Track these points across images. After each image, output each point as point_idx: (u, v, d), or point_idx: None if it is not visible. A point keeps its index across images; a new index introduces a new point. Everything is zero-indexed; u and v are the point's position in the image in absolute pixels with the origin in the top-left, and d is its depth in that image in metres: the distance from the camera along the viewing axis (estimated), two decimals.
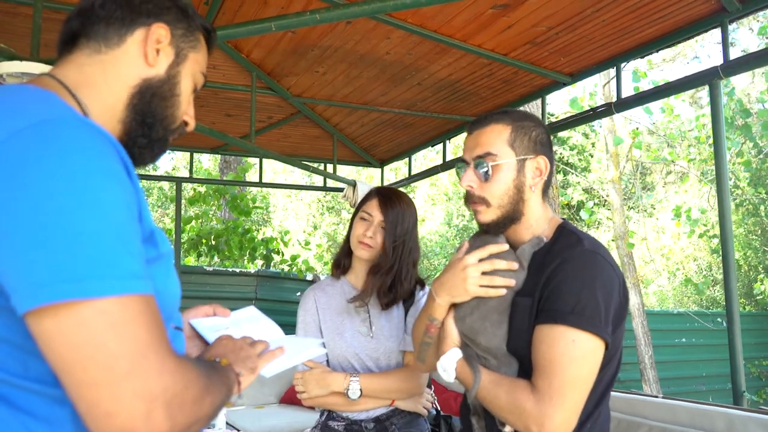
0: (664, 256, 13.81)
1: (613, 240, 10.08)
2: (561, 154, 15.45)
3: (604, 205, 13.34)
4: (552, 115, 12.61)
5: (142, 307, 0.74)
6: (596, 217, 14.96)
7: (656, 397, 2.80)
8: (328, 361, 2.03)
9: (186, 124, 1.06)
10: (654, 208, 14.99)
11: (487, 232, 1.46)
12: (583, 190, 14.16)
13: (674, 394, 7.44)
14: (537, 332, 1.30)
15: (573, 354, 1.25)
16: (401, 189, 2.32)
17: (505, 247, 1.39)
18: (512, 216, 1.42)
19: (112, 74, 0.96)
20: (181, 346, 0.97)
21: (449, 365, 1.40)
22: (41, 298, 0.69)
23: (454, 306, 1.44)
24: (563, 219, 1.48)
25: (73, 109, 0.85)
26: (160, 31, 0.99)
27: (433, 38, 3.34)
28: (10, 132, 0.74)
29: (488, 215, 1.42)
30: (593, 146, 14.96)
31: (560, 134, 14.30)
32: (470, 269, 1.38)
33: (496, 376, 1.35)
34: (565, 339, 1.25)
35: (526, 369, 1.33)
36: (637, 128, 9.40)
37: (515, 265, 1.37)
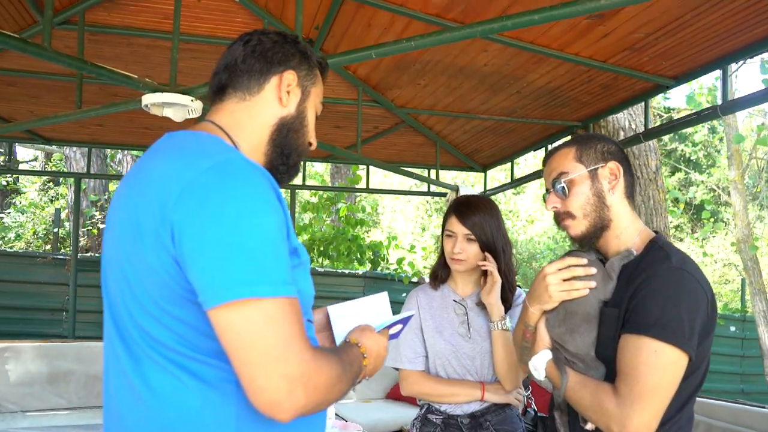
0: None
1: (733, 244, 9.46)
2: (682, 150, 14.62)
3: (728, 206, 12.49)
4: (673, 109, 11.99)
5: (290, 308, 0.97)
6: (722, 217, 14.02)
7: (763, 407, 2.72)
8: (427, 356, 2.18)
9: (310, 144, 1.30)
10: None
11: (581, 247, 1.55)
12: (709, 189, 13.33)
13: None
14: (622, 341, 1.39)
15: (654, 364, 1.32)
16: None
17: (583, 261, 1.48)
18: (600, 224, 1.51)
19: (256, 117, 1.21)
20: (312, 334, 1.19)
21: (540, 365, 1.53)
22: (221, 298, 0.94)
23: (546, 313, 1.56)
24: (656, 233, 1.53)
25: (238, 151, 1.12)
26: (290, 76, 1.23)
27: (530, 49, 3.44)
28: (199, 171, 1.00)
29: (577, 228, 1.53)
30: (721, 141, 14.03)
31: (682, 130, 13.55)
32: (550, 277, 1.50)
33: (582, 377, 1.46)
34: (648, 349, 1.33)
35: (612, 373, 1.42)
36: (763, 123, 8.76)
37: (592, 270, 1.46)
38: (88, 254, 8.26)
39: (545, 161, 1.61)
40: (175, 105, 2.88)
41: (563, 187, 1.52)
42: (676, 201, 11.51)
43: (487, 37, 3.31)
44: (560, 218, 1.56)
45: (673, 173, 14.40)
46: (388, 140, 5.53)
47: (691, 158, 14.63)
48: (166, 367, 1.01)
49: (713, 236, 13.63)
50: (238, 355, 0.94)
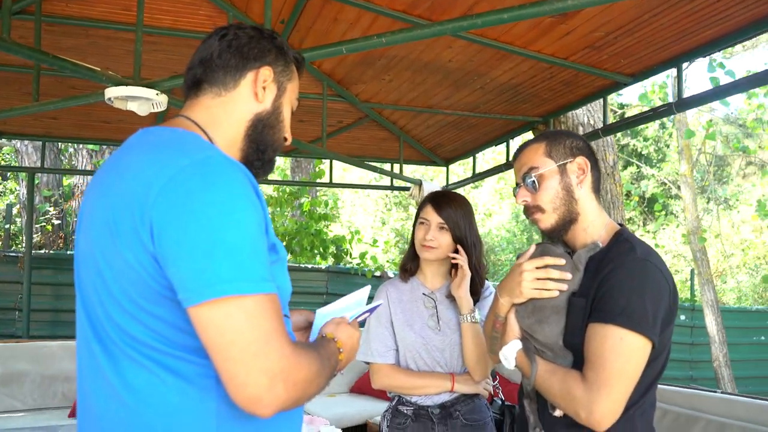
0: (744, 251, 13.26)
1: (684, 235, 9.81)
2: (634, 145, 15.07)
3: (679, 198, 12.95)
4: (627, 105, 12.33)
5: (269, 304, 0.97)
6: (672, 210, 14.52)
7: (714, 392, 2.86)
8: (397, 349, 2.22)
9: (285, 139, 1.30)
10: (738, 201, 14.39)
11: (551, 239, 1.60)
12: (660, 182, 13.78)
13: (752, 393, 7.23)
14: (589, 330, 1.44)
15: (620, 350, 1.38)
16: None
17: (561, 262, 1.53)
18: (569, 217, 1.56)
19: (232, 113, 1.21)
20: (289, 330, 1.20)
21: (510, 354, 1.58)
22: (201, 296, 0.94)
23: (516, 304, 1.61)
24: (621, 225, 1.60)
25: (216, 148, 1.11)
26: (266, 72, 1.23)
27: (494, 46, 3.50)
28: (179, 168, 1.00)
29: (546, 221, 1.58)
30: (670, 137, 14.51)
31: (638, 126, 13.95)
32: (525, 274, 1.54)
33: (552, 365, 1.51)
34: (614, 337, 1.39)
35: (580, 361, 1.47)
36: (711, 120, 9.10)
37: (568, 275, 1.52)
38: (42, 251, 8.01)
39: (515, 156, 1.66)
40: (140, 99, 2.82)
41: (533, 181, 1.57)
42: (628, 194, 11.87)
43: (454, 34, 3.36)
44: (530, 212, 1.60)
45: (625, 167, 14.84)
46: (351, 134, 5.54)
47: (643, 153, 15.09)
48: (144, 365, 1.01)
49: (664, 228, 14.12)
50: (219, 352, 0.94)
